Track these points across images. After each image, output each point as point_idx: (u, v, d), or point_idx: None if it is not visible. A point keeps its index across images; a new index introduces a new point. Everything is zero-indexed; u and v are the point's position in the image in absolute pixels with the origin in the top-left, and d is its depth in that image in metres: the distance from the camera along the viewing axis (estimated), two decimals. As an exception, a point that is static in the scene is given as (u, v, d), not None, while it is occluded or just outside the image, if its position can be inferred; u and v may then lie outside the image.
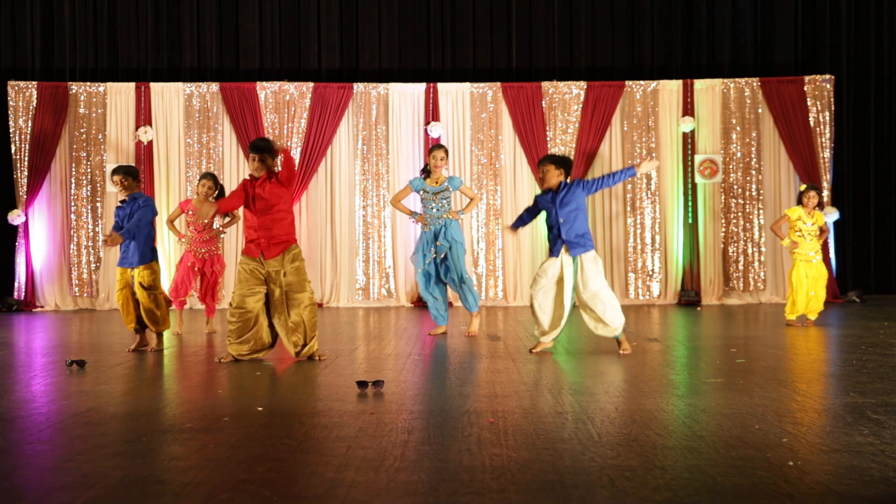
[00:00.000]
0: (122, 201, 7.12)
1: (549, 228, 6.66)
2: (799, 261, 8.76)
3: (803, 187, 8.87)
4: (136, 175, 7.16)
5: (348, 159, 12.34)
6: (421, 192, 7.98)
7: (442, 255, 7.85)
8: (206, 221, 8.34)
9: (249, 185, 6.36)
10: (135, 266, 6.94)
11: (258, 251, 6.30)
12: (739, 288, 12.33)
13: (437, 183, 7.93)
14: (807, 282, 8.72)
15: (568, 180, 6.64)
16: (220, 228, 8.60)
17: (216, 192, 8.39)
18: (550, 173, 6.62)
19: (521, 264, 12.29)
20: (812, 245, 8.75)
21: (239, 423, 4.15)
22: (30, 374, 5.93)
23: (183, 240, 8.52)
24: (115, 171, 7.11)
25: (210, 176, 8.43)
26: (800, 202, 8.79)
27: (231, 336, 6.33)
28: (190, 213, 8.42)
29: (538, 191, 12.22)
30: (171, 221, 8.61)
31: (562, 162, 6.68)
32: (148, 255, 6.99)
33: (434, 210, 7.92)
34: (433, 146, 8.13)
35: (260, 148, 6.34)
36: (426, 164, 8.05)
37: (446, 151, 8.00)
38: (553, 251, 6.60)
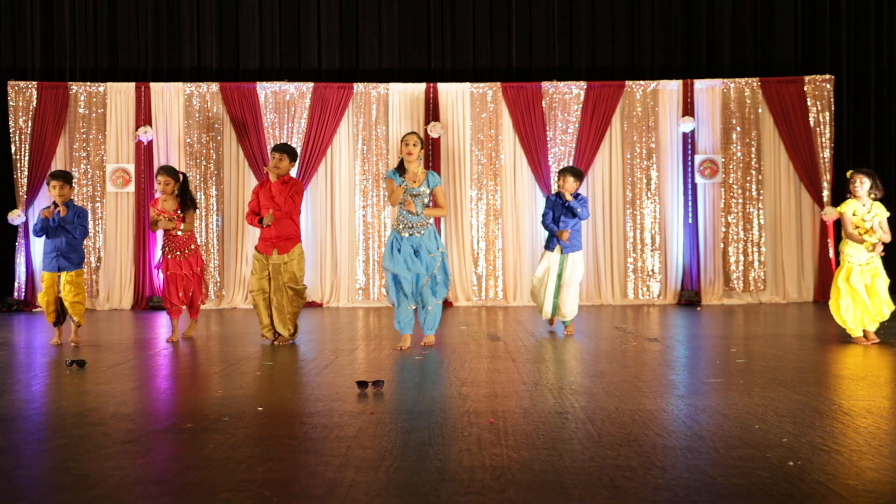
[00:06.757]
0: (61, 205, 7.37)
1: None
2: (847, 263, 7.16)
3: (849, 173, 7.19)
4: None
5: (348, 159, 12.33)
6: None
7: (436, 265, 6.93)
8: (176, 227, 7.68)
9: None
10: (72, 269, 7.42)
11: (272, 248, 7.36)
12: (739, 288, 12.32)
13: (415, 182, 6.83)
14: (862, 290, 7.11)
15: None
16: (176, 222, 7.74)
17: (178, 186, 7.73)
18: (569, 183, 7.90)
19: (521, 264, 12.27)
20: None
21: (239, 423, 4.15)
22: (30, 374, 5.93)
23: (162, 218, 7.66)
24: (56, 177, 7.47)
25: (166, 170, 7.77)
26: (848, 192, 7.19)
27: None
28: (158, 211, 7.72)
29: (538, 190, 12.34)
30: (155, 225, 7.76)
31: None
32: (82, 260, 7.57)
33: (413, 216, 6.84)
34: (406, 133, 7.31)
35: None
36: (400, 160, 6.89)
37: (420, 138, 6.87)
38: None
